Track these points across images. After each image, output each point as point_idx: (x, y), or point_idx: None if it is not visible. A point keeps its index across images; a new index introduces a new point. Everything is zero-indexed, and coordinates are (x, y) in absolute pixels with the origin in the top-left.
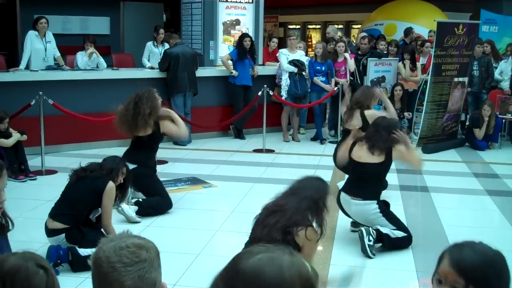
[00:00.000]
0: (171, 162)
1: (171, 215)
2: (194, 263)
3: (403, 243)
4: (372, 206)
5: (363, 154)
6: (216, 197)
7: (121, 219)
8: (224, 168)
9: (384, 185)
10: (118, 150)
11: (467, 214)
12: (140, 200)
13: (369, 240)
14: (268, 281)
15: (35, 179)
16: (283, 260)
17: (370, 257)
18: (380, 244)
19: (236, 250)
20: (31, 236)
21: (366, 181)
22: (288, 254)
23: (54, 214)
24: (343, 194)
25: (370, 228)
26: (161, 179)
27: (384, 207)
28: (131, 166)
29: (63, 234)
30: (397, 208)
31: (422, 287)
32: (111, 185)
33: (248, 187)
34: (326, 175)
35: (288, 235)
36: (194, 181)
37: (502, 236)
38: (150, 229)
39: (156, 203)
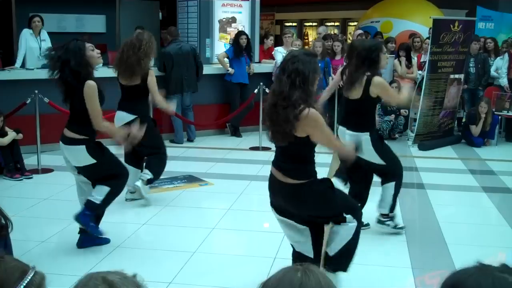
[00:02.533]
0: (167, 160)
1: (167, 213)
2: (190, 261)
3: (396, 191)
4: (363, 137)
5: (347, 90)
6: (212, 195)
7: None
8: (221, 166)
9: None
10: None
11: (463, 211)
12: (149, 177)
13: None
14: None
15: (31, 178)
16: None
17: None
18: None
19: (232, 248)
20: (27, 235)
21: (353, 115)
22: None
23: (68, 124)
24: (340, 127)
25: None
26: None
27: (378, 140)
28: (131, 118)
29: (83, 146)
30: None
31: (418, 284)
32: (88, 84)
33: (244, 185)
34: (323, 172)
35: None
36: (190, 179)
37: (498, 233)
38: (146, 227)
39: (159, 167)
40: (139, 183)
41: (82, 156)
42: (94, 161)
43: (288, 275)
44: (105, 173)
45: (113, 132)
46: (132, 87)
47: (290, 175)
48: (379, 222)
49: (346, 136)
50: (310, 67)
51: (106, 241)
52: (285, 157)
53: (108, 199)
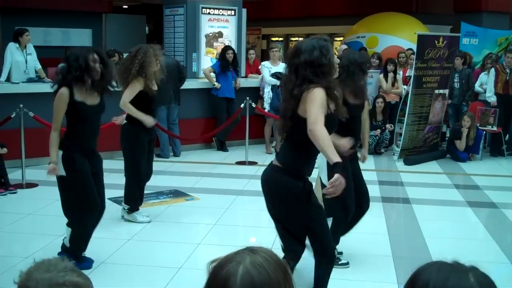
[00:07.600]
0: (153, 175)
1: (152, 228)
2: (175, 277)
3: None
4: None
5: None
6: (198, 210)
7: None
8: (207, 181)
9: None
10: None
11: (449, 226)
12: (127, 207)
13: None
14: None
15: (15, 193)
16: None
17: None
18: None
19: None
20: (11, 251)
21: None
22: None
23: None
24: None
25: None
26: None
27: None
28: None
29: (61, 152)
30: (379, 220)
31: None
32: (60, 91)
33: (230, 200)
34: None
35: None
36: (176, 193)
37: (484, 248)
38: (131, 242)
39: (135, 201)
40: (127, 217)
41: (58, 161)
42: (63, 173)
43: (231, 267)
44: (69, 197)
45: (53, 149)
46: None
47: (278, 158)
48: None
49: None
50: (323, 57)
51: (87, 266)
52: (284, 144)
53: (76, 241)
